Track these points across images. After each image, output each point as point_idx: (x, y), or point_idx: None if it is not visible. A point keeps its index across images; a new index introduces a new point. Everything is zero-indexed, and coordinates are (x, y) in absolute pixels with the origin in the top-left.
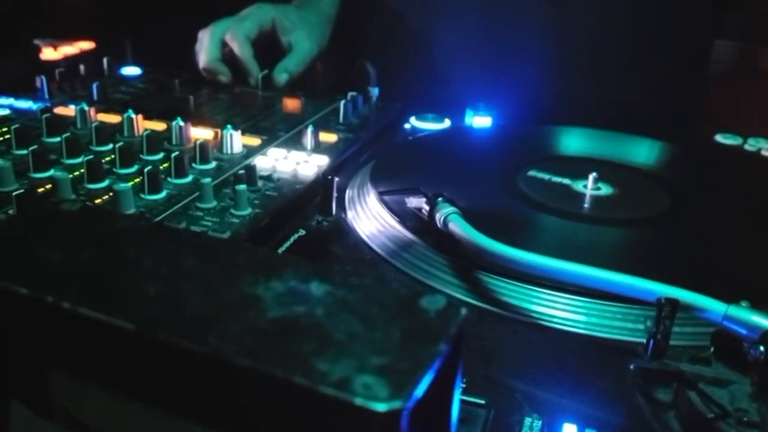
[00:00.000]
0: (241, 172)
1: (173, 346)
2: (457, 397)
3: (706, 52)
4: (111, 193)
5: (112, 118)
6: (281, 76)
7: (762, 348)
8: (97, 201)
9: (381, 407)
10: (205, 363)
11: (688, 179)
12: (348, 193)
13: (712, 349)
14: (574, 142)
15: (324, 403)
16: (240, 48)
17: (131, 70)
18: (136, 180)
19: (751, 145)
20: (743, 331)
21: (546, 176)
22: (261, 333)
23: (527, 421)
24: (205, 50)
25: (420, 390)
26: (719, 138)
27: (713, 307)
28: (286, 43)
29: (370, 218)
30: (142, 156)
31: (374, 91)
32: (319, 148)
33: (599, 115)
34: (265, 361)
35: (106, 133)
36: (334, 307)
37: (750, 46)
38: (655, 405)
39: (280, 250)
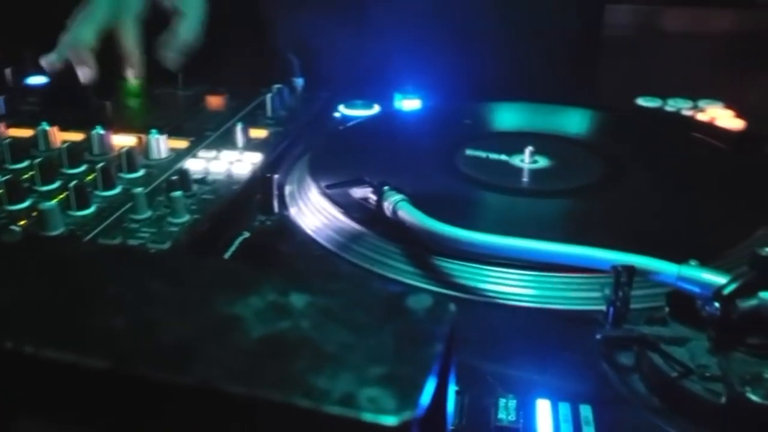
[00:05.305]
0: (174, 177)
1: (155, 381)
2: (452, 392)
3: (598, 16)
4: (35, 213)
5: (25, 132)
6: (171, 60)
7: (717, 304)
8: (21, 223)
9: (391, 420)
10: (193, 395)
11: (619, 144)
12: (287, 189)
13: (666, 309)
14: (502, 116)
15: (330, 423)
16: (128, 36)
17: (37, 80)
18: (61, 196)
19: (671, 105)
20: (697, 290)
21: (483, 154)
22: (249, 355)
23: (502, 402)
24: (76, 31)
25: (426, 397)
26: (641, 101)
27: (666, 269)
28: (171, 7)
29: (315, 213)
30: (63, 170)
31: (299, 82)
32: (250, 144)
33: (511, 87)
34: (259, 386)
35: (21, 148)
36: (319, 318)
37: (645, 8)
38: (619, 370)
39: (227, 255)
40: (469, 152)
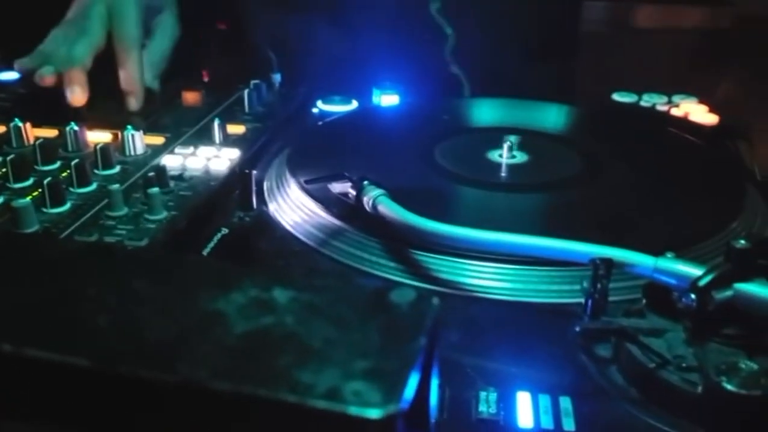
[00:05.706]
0: (151, 174)
1: (139, 379)
2: (435, 385)
3: (576, 12)
4: (9, 211)
5: None
6: (153, 84)
7: (693, 296)
8: None
9: (376, 414)
10: (178, 393)
11: (596, 139)
12: (266, 185)
13: (644, 301)
14: (480, 112)
15: (315, 417)
16: (132, 67)
17: (8, 75)
18: (35, 193)
19: (646, 101)
20: (673, 282)
21: (462, 149)
22: (233, 351)
23: (482, 395)
24: (70, 49)
25: (410, 390)
26: (616, 96)
27: (643, 261)
28: (149, 27)
29: (294, 209)
30: (37, 167)
31: (276, 78)
32: (228, 140)
33: (489, 82)
34: (244, 382)
35: None
36: (303, 313)
37: (620, 5)
38: (597, 362)
39: (205, 252)
40: (447, 147)
